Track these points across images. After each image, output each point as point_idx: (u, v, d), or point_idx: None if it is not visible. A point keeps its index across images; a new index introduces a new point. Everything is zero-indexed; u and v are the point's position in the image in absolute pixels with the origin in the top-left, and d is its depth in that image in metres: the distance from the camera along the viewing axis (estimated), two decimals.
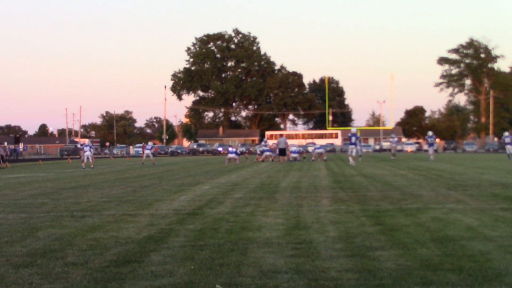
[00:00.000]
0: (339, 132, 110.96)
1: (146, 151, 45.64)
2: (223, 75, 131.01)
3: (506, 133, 40.17)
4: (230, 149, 43.37)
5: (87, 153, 37.49)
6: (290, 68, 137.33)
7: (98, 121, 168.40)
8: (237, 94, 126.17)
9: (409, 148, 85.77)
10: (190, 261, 6.78)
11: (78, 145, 41.70)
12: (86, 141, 42.75)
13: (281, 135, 42.59)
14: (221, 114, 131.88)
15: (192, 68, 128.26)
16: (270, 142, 56.60)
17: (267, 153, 43.24)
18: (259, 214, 10.79)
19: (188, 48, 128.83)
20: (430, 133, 42.19)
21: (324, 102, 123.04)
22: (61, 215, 11.26)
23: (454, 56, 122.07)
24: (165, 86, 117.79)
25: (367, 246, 7.45)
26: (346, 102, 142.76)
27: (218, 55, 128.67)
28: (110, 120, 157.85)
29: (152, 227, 9.46)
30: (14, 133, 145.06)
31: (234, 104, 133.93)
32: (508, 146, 38.49)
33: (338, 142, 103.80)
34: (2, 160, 41.11)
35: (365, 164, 32.12)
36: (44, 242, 8.24)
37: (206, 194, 15.44)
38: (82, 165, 37.58)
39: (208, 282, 5.85)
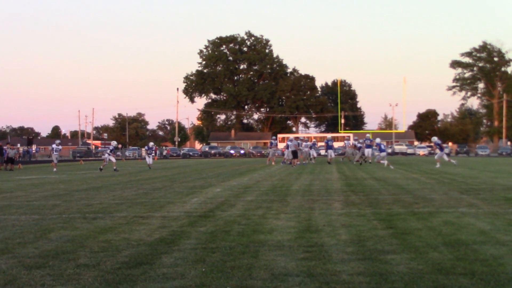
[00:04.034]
0: (351, 135, 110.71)
1: (106, 155, 36.67)
2: (235, 77, 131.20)
3: None
4: (289, 142, 38.87)
5: (56, 154, 36.25)
6: (303, 71, 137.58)
7: (111, 123, 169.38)
8: (249, 96, 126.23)
9: (421, 152, 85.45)
10: (201, 263, 6.79)
11: (53, 146, 37.92)
12: (56, 141, 39.64)
13: (292, 139, 41.85)
14: (233, 117, 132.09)
15: (205, 70, 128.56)
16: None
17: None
18: (270, 217, 10.78)
19: (201, 51, 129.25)
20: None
21: (336, 105, 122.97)
22: (73, 217, 11.30)
23: (467, 60, 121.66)
24: (177, 89, 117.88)
25: (378, 250, 7.43)
26: (359, 105, 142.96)
27: (231, 58, 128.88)
28: (122, 122, 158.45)
29: (164, 229, 9.47)
30: (27, 135, 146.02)
31: (246, 106, 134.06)
32: None
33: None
34: (12, 162, 40.58)
35: (377, 167, 32.01)
36: (56, 243, 8.27)
37: (218, 196, 15.45)
38: (54, 169, 35.53)
39: (219, 285, 5.85)
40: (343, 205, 12.78)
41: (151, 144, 41.15)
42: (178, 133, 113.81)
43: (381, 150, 34.56)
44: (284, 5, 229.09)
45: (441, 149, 34.41)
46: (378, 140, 36.29)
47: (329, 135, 39.96)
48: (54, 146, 37.68)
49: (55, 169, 35.55)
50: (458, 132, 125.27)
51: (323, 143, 53.46)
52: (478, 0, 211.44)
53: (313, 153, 45.65)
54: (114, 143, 37.96)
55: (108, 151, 36.18)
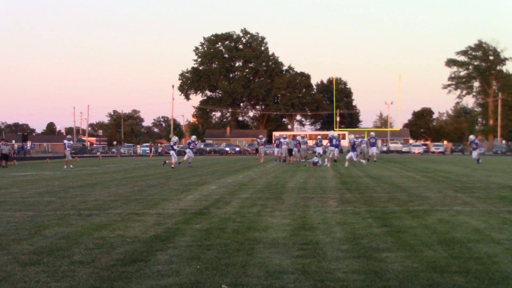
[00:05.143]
0: (346, 133, 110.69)
1: (67, 150, 36.46)
2: (231, 75, 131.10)
3: (472, 137, 38.80)
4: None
5: (67, 150, 35.68)
6: (298, 69, 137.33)
7: (106, 120, 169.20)
8: (245, 94, 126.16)
9: (416, 150, 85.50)
10: (196, 261, 6.79)
11: (65, 141, 36.70)
12: (68, 136, 38.22)
13: (285, 136, 41.84)
14: (228, 114, 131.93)
15: (200, 68, 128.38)
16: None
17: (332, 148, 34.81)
18: (265, 215, 10.79)
19: (196, 48, 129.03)
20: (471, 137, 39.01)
21: (331, 103, 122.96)
22: (68, 214, 11.29)
23: (462, 58, 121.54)
24: (173, 86, 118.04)
25: (373, 248, 7.44)
26: (354, 103, 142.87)
27: (226, 55, 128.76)
28: (117, 119, 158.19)
29: (159, 226, 9.47)
30: (22, 131, 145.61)
31: (241, 104, 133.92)
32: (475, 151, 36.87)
33: (345, 143, 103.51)
34: (6, 158, 40.16)
35: (372, 166, 32.05)
36: (50, 240, 8.26)
37: (213, 194, 15.44)
38: (65, 166, 35.09)
39: (214, 282, 5.85)
40: (338, 203, 12.79)
41: (193, 137, 39.06)
42: (173, 130, 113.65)
43: (331, 145, 34.13)
44: (280, 3, 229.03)
45: (354, 149, 34.23)
46: (331, 133, 35.24)
47: (335, 133, 39.47)
48: (65, 141, 36.52)
49: (71, 166, 35.01)
50: (453, 130, 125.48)
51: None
52: None
53: (319, 150, 45.75)
54: (175, 138, 35.98)
55: (175, 146, 34.48)
